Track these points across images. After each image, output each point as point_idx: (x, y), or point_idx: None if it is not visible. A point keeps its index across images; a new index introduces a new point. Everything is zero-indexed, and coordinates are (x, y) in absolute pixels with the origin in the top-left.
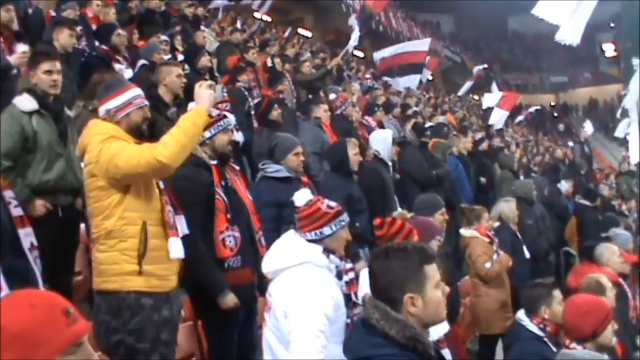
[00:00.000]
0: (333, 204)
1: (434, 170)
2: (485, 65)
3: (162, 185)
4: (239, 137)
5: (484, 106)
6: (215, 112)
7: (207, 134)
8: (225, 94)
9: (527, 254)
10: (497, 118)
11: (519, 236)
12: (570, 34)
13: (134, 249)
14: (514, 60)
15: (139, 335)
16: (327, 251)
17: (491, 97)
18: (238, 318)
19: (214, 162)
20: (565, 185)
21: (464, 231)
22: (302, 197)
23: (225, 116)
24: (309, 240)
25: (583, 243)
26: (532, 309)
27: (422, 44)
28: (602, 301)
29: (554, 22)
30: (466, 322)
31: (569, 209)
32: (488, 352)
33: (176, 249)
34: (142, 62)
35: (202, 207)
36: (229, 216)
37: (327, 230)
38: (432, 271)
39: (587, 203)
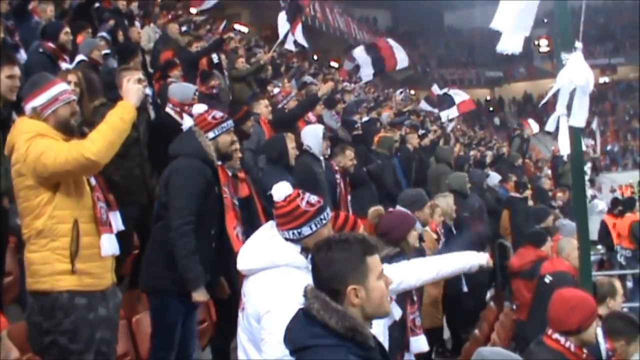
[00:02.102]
0: (314, 199)
1: (366, 166)
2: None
3: (93, 181)
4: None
5: (444, 119)
6: (219, 114)
7: (210, 135)
8: (196, 97)
9: None
10: (448, 113)
11: (454, 231)
12: (511, 44)
13: (66, 248)
14: (450, 56)
15: (73, 336)
16: (306, 250)
17: (451, 111)
18: (186, 304)
19: (220, 162)
20: (494, 178)
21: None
22: (280, 190)
23: (228, 117)
24: (287, 239)
25: (514, 234)
26: (611, 337)
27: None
28: (589, 298)
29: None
30: None
31: (502, 201)
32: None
33: (108, 246)
34: (80, 57)
35: (201, 201)
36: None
37: (306, 230)
38: (375, 262)
39: (517, 195)
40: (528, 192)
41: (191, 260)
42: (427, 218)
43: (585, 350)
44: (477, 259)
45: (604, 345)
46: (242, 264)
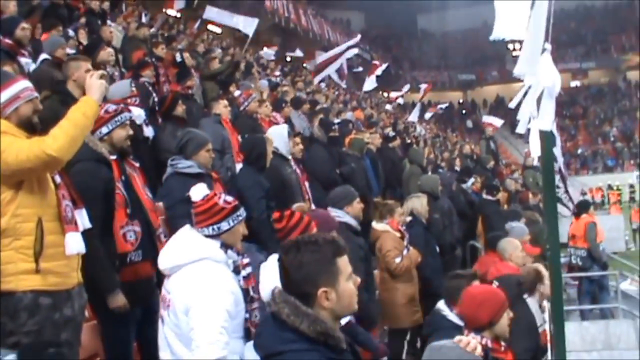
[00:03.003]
0: (230, 198)
1: (340, 167)
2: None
3: (58, 179)
4: (148, 132)
5: (410, 119)
6: (112, 107)
7: (104, 130)
8: (134, 89)
9: (437, 249)
10: (415, 114)
11: (430, 231)
12: (526, 69)
13: (30, 247)
14: (423, 58)
15: (37, 337)
16: (225, 246)
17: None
18: (134, 316)
19: (114, 157)
20: (469, 181)
21: (376, 225)
22: (198, 192)
23: (122, 111)
24: (206, 236)
25: (486, 236)
26: (452, 299)
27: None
28: (497, 291)
29: (516, 38)
30: None
31: (475, 204)
32: (397, 346)
33: (73, 245)
34: (44, 56)
35: (102, 203)
36: (128, 211)
37: (224, 226)
38: (344, 263)
39: (490, 197)
40: (500, 195)
41: (100, 266)
42: (357, 213)
43: (503, 343)
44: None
45: (454, 316)
46: (163, 263)
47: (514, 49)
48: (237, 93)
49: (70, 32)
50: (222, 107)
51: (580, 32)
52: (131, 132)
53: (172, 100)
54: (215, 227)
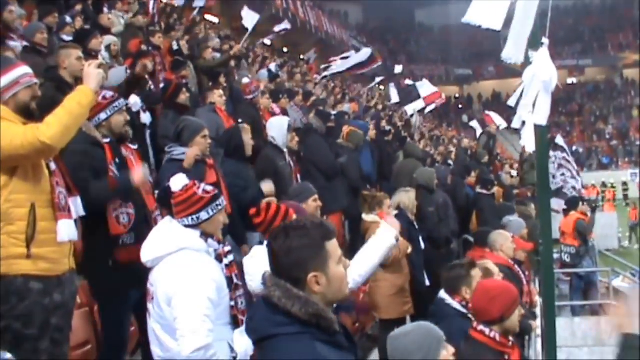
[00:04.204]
0: (209, 188)
1: (338, 158)
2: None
3: (53, 166)
4: (145, 118)
5: (410, 112)
6: (109, 94)
7: (103, 115)
8: (128, 73)
9: (422, 245)
10: (414, 106)
11: (416, 226)
12: (514, 53)
13: (22, 232)
14: (420, 52)
15: (27, 321)
16: (205, 235)
17: (417, 103)
18: (129, 299)
19: (107, 140)
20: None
21: (366, 216)
22: (177, 182)
23: (119, 97)
24: (186, 226)
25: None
26: (452, 289)
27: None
28: (510, 287)
29: (489, 27)
30: (366, 307)
31: (470, 198)
32: (387, 337)
33: (65, 232)
34: (25, 43)
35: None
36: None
37: (203, 215)
38: (333, 247)
39: (484, 192)
40: (495, 189)
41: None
42: (312, 212)
43: (510, 338)
44: (388, 232)
45: (457, 305)
46: (145, 256)
47: None
48: (245, 80)
49: (68, 19)
50: (216, 97)
51: (577, 29)
52: (128, 117)
53: (176, 88)
54: (194, 217)
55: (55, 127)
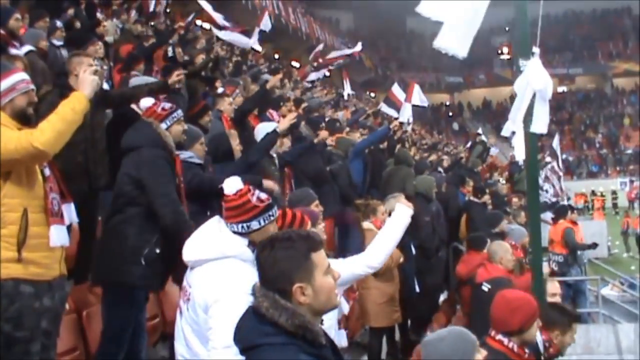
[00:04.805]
0: (263, 196)
1: (328, 166)
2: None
3: (47, 172)
4: None
5: (402, 118)
6: (167, 105)
7: (163, 126)
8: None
9: (413, 251)
10: (406, 113)
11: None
12: (455, 45)
13: (14, 236)
14: (411, 59)
15: (17, 323)
16: (253, 245)
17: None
18: (141, 300)
19: (178, 152)
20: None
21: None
22: (232, 185)
23: (177, 108)
24: (235, 232)
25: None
26: (547, 327)
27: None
28: (531, 299)
29: (436, 19)
30: (355, 315)
31: (460, 205)
32: (376, 344)
33: (57, 237)
34: (28, 48)
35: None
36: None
37: (254, 225)
38: (320, 258)
39: (475, 200)
40: (486, 197)
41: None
42: None
43: (527, 350)
44: (405, 211)
45: (540, 337)
46: (188, 255)
47: (502, 53)
48: (220, 90)
49: (58, 24)
50: (226, 104)
51: (568, 38)
52: (186, 127)
53: (203, 108)
54: (245, 225)
55: (49, 132)
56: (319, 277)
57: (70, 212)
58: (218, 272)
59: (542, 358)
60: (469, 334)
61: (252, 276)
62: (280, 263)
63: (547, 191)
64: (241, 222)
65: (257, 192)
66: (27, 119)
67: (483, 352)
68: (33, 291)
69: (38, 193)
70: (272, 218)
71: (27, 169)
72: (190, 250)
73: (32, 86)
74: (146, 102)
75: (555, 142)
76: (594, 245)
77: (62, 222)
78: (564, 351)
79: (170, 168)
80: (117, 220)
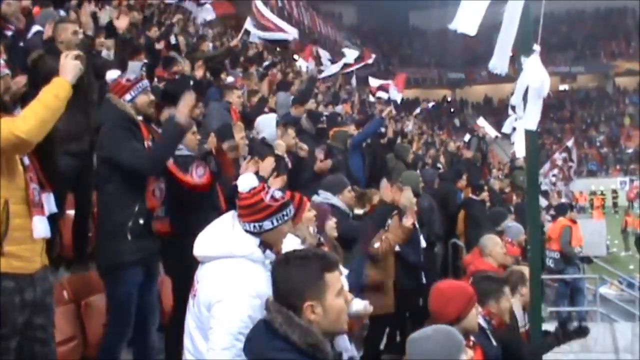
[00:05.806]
0: (278, 194)
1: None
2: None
3: (26, 161)
4: None
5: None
6: (132, 76)
7: (127, 97)
8: (144, 72)
9: (423, 243)
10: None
11: (416, 225)
12: (499, 64)
13: None
14: (413, 55)
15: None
16: (264, 245)
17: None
18: (137, 276)
19: (140, 117)
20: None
21: (356, 211)
22: (245, 182)
23: (142, 78)
24: (247, 231)
25: (468, 235)
26: (480, 301)
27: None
28: (465, 286)
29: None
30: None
31: (458, 202)
32: (375, 335)
33: (40, 228)
34: (37, 28)
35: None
36: None
37: (267, 225)
38: (334, 279)
39: (474, 197)
40: (484, 195)
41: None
42: (348, 201)
43: (472, 338)
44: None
45: (482, 319)
46: (199, 250)
47: None
48: (230, 79)
49: (62, 13)
50: (235, 97)
51: (570, 36)
52: (152, 97)
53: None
54: (257, 224)
55: (32, 121)
56: (330, 297)
57: (50, 202)
58: (225, 272)
59: (489, 334)
60: (456, 333)
61: (260, 278)
62: (292, 279)
63: (552, 183)
64: (253, 222)
65: (271, 190)
66: (3, 106)
67: (469, 353)
68: (14, 285)
69: (19, 184)
70: (285, 218)
71: (7, 159)
72: (201, 245)
73: (7, 71)
74: (111, 74)
75: (571, 142)
76: (588, 260)
77: (42, 213)
78: (507, 317)
79: (134, 134)
80: (100, 202)
